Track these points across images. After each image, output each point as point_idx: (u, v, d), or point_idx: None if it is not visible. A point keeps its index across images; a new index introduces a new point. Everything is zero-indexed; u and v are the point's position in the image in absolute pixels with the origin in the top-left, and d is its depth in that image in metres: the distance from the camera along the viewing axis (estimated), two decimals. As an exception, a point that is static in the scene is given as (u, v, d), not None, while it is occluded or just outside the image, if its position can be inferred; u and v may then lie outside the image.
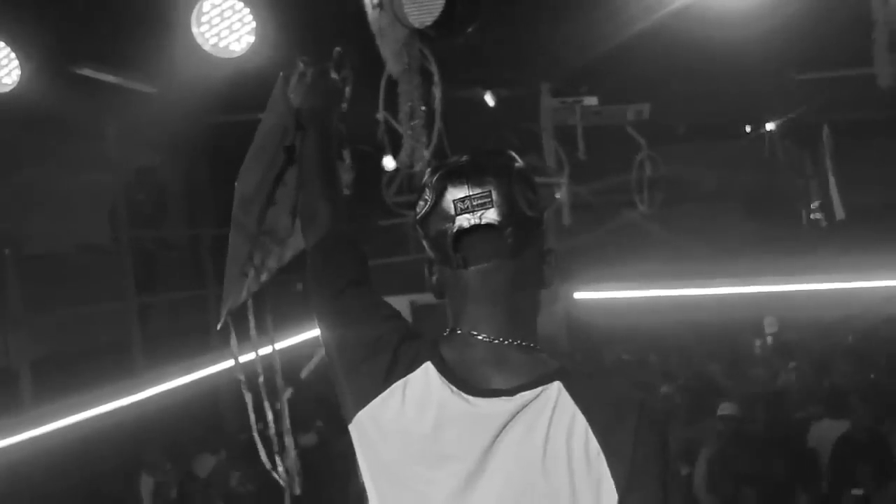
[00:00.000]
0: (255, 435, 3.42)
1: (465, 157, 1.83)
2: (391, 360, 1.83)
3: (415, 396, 1.77)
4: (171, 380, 8.86)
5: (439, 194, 1.78)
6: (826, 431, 7.71)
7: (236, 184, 2.72)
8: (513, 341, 1.79)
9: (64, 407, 7.52)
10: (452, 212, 1.76)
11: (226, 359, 9.69)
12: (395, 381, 1.80)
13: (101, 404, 7.83)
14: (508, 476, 1.70)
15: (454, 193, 1.77)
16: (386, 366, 1.83)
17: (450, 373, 1.76)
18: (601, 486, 1.67)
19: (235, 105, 8.10)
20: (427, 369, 1.78)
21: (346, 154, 2.74)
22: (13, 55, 4.92)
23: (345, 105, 2.57)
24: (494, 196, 1.74)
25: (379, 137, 5.05)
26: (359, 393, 1.85)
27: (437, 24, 4.05)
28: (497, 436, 1.71)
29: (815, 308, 11.51)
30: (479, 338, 1.79)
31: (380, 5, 4.50)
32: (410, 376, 1.79)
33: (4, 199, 7.96)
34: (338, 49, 2.66)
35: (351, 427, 1.88)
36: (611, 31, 6.54)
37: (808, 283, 11.81)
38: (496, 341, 1.78)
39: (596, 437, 1.67)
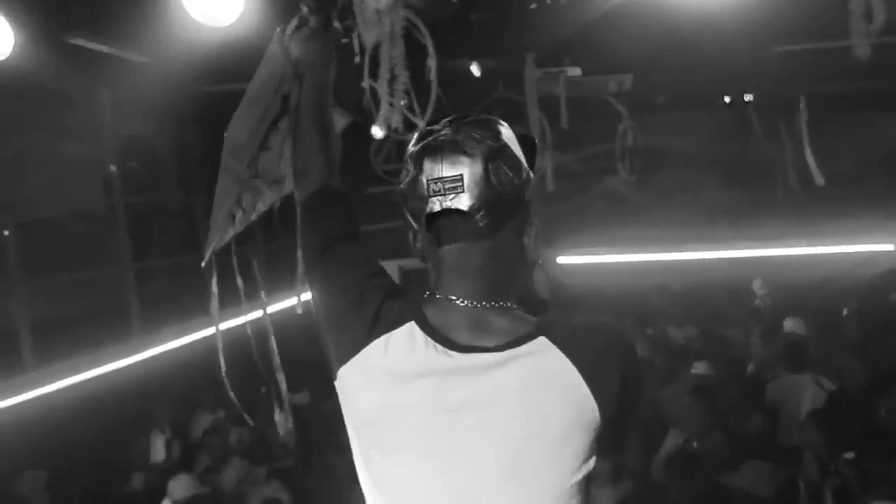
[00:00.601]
0: (229, 391, 3.41)
1: (446, 131, 1.76)
2: (374, 316, 1.82)
3: (398, 352, 1.76)
4: (168, 342, 8.87)
5: (418, 169, 1.75)
6: (784, 385, 7.77)
7: (226, 133, 2.69)
8: (489, 304, 1.78)
9: (65, 368, 7.52)
10: (426, 192, 1.74)
11: (221, 320, 9.71)
12: (377, 337, 1.79)
13: (100, 365, 7.84)
14: (498, 431, 1.70)
15: (429, 172, 1.73)
16: (370, 320, 1.82)
17: (433, 332, 1.76)
18: (590, 428, 1.71)
19: (225, 74, 8.02)
20: (411, 328, 1.77)
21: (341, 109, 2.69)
22: (6, 25, 4.85)
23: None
24: (466, 180, 1.71)
25: (365, 105, 5.02)
26: (342, 348, 1.85)
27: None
28: (484, 388, 1.71)
29: (792, 271, 11.56)
30: (457, 302, 1.78)
31: (365, -23, 4.45)
32: (393, 332, 1.77)
33: (1, 167, 7.92)
34: None
35: (336, 384, 1.88)
36: (593, 3, 6.50)
37: (785, 247, 11.88)
38: (474, 305, 1.78)
39: (586, 382, 1.69)
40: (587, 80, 8.49)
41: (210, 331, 8.07)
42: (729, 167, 13.26)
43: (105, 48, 6.77)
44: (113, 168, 9.19)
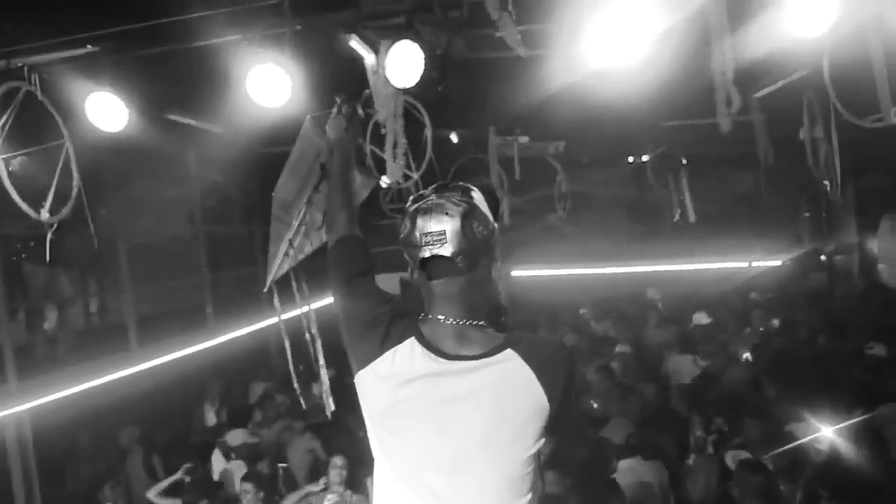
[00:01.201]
0: (291, 369, 3.37)
1: (433, 196, 1.80)
2: (384, 333, 1.82)
3: (403, 360, 1.77)
4: (234, 331, 8.83)
5: (412, 225, 1.80)
6: (677, 364, 7.81)
7: (273, 193, 2.70)
8: (469, 322, 1.80)
9: (160, 350, 7.48)
10: (419, 242, 1.78)
11: (272, 316, 9.67)
12: (388, 350, 1.80)
13: (184, 349, 7.79)
14: (477, 417, 1.73)
15: (421, 227, 1.77)
16: (381, 337, 1.81)
17: (427, 344, 1.78)
18: (541, 416, 1.76)
19: (276, 140, 8.05)
20: (412, 342, 1.78)
21: (372, 168, 2.69)
22: (122, 104, 4.85)
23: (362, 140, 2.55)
24: (448, 234, 1.74)
25: (367, 163, 5.08)
26: (361, 356, 1.85)
27: (416, 84, 4.04)
28: (466, 386, 1.74)
29: (676, 282, 11.63)
30: (444, 321, 1.80)
31: (376, 72, 4.49)
32: (399, 346, 1.78)
33: (118, 205, 7.87)
34: (366, 91, 2.63)
35: (356, 382, 1.88)
36: (535, 91, 6.55)
37: (671, 265, 11.95)
38: (457, 322, 1.80)
39: (540, 383, 1.75)
40: (533, 144, 8.53)
41: (264, 324, 8.04)
42: (632, 208, 13.34)
43: (191, 121, 6.77)
44: (196, 205, 9.18)
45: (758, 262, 12.17)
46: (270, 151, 8.73)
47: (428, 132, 5.08)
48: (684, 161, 9.56)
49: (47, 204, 4.54)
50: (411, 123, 4.97)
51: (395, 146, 4.59)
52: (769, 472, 4.47)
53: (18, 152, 4.75)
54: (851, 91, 4.63)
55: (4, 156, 4.43)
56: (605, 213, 13.13)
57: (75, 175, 4.63)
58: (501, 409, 1.73)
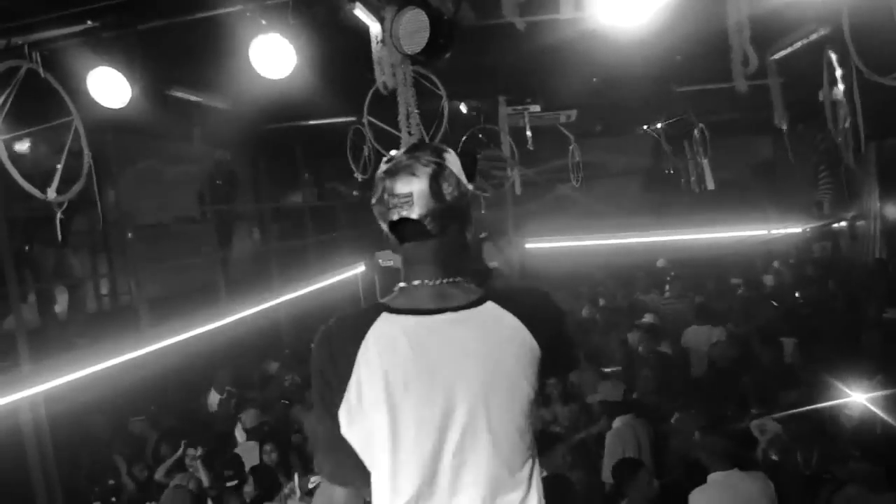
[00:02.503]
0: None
1: (402, 157, 1.76)
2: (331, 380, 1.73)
3: (382, 341, 1.70)
4: (245, 310, 8.85)
5: (382, 188, 1.75)
6: (693, 335, 7.80)
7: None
8: (444, 280, 1.77)
9: (172, 330, 7.50)
10: (389, 206, 1.74)
11: (284, 295, 9.72)
12: (350, 375, 1.69)
13: (197, 328, 7.82)
14: (468, 366, 1.69)
15: (389, 189, 1.73)
16: (333, 387, 1.72)
17: (404, 310, 1.73)
18: (534, 363, 1.73)
19: (281, 115, 8.04)
20: (384, 317, 1.73)
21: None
22: (125, 81, 4.81)
23: None
24: (415, 196, 1.70)
25: (366, 135, 5.03)
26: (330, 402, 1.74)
27: (423, 51, 3.97)
28: (453, 337, 1.70)
29: (691, 251, 11.58)
30: (423, 283, 1.77)
31: (382, 41, 4.43)
32: (367, 337, 1.70)
33: (126, 185, 7.88)
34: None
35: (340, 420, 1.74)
36: (546, 58, 6.47)
37: (687, 234, 11.88)
38: (433, 283, 1.76)
39: (527, 327, 1.72)
40: (544, 114, 8.45)
41: (274, 302, 8.01)
42: (646, 177, 13.25)
43: (196, 98, 6.74)
44: (203, 184, 9.18)
45: (776, 230, 12.08)
46: (276, 127, 8.73)
47: (444, 102, 5.03)
48: (698, 128, 9.43)
49: (54, 183, 4.52)
50: (421, 94, 4.92)
51: (408, 117, 4.53)
52: (732, 435, 4.59)
53: (22, 132, 4.73)
54: (872, 48, 4.53)
55: (6, 136, 4.41)
56: (619, 182, 13.07)
57: (86, 152, 4.61)
58: (491, 357, 1.70)
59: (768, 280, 9.34)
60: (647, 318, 8.49)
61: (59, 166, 4.55)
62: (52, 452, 6.25)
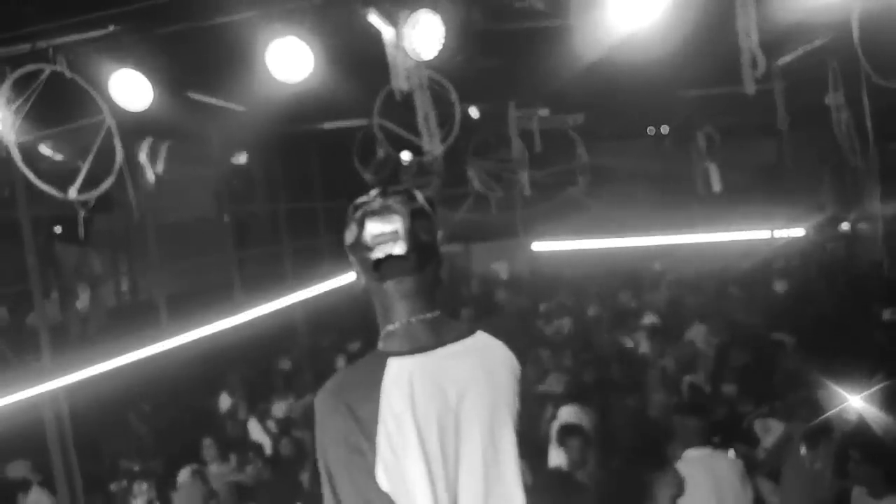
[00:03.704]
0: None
1: (378, 200, 1.75)
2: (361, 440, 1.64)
3: (401, 387, 1.67)
4: (261, 307, 8.87)
5: (361, 229, 1.73)
6: (695, 333, 7.79)
7: None
8: (427, 315, 1.77)
9: (190, 326, 7.53)
10: (371, 244, 1.72)
11: (299, 294, 9.75)
12: (377, 432, 1.64)
13: (213, 324, 7.85)
14: (479, 389, 1.73)
15: (371, 230, 1.72)
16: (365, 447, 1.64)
17: (407, 351, 1.73)
18: (516, 375, 1.82)
19: (297, 118, 8.05)
20: (392, 362, 1.71)
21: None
22: (148, 83, 4.83)
23: None
24: (401, 232, 1.70)
25: (377, 135, 5.04)
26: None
27: (436, 56, 3.98)
28: (459, 368, 1.73)
29: (698, 254, 11.54)
30: (416, 319, 1.76)
31: (395, 46, 4.43)
32: (383, 388, 1.67)
33: (146, 186, 7.91)
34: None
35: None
36: (556, 62, 6.46)
37: (693, 236, 11.85)
38: (423, 317, 1.76)
39: (513, 353, 1.83)
40: (552, 117, 8.45)
41: (289, 301, 8.04)
42: (653, 179, 13.20)
43: (214, 100, 6.76)
44: (221, 185, 9.20)
45: (780, 232, 12.01)
46: (293, 130, 8.74)
47: (456, 105, 5.03)
48: (702, 132, 9.40)
49: (77, 183, 4.55)
50: (433, 98, 4.91)
51: (426, 119, 4.54)
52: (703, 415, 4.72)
53: (50, 131, 4.76)
54: (879, 54, 4.50)
55: (26, 138, 4.44)
56: (626, 185, 13.01)
57: (118, 150, 4.64)
58: (494, 382, 1.77)
59: (780, 286, 9.24)
60: (650, 319, 8.45)
61: (85, 166, 4.57)
62: (73, 444, 6.28)
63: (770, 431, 5.02)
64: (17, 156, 4.31)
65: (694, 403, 5.54)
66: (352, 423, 1.64)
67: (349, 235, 1.77)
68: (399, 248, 1.71)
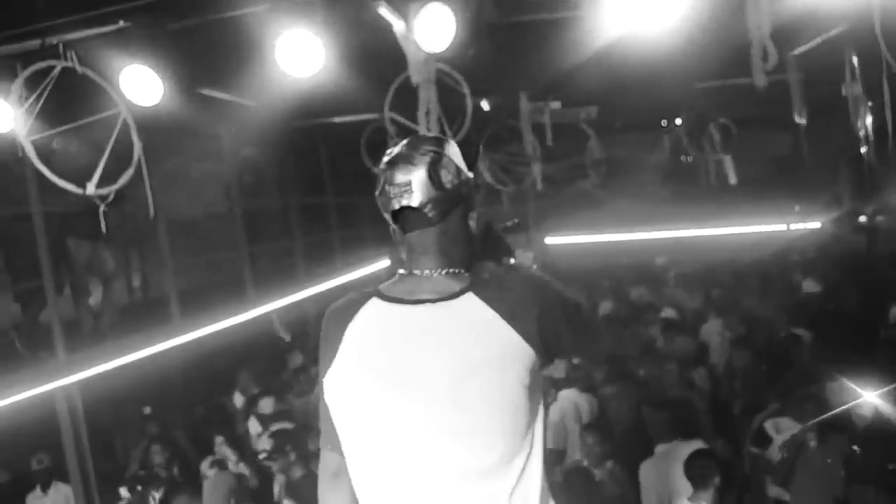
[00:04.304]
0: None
1: (402, 148, 1.76)
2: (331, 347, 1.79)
3: (365, 325, 1.74)
4: (272, 302, 8.91)
5: (383, 180, 1.76)
6: (711, 327, 7.75)
7: None
8: (444, 271, 1.75)
9: (202, 322, 7.57)
10: (390, 195, 1.74)
11: (310, 289, 9.79)
12: (336, 353, 1.76)
13: (225, 320, 7.88)
14: (440, 355, 1.66)
15: (390, 179, 1.74)
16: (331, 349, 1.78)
17: (392, 297, 1.75)
18: (522, 359, 1.66)
19: (307, 113, 8.07)
20: (373, 302, 1.76)
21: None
22: (158, 79, 4.86)
23: None
24: (414, 184, 1.70)
25: (388, 128, 5.04)
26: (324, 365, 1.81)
27: (447, 48, 3.98)
28: (429, 327, 1.69)
29: (709, 247, 11.49)
30: (420, 273, 1.76)
31: (407, 38, 4.42)
32: (354, 320, 1.75)
33: (156, 181, 7.92)
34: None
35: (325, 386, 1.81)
36: (567, 55, 6.43)
37: (702, 230, 11.80)
38: (432, 273, 1.75)
39: (510, 325, 1.66)
40: (565, 110, 8.42)
41: (300, 295, 8.07)
42: (666, 172, 13.15)
43: (224, 96, 6.78)
44: (231, 180, 9.22)
45: (796, 225, 11.92)
46: (303, 125, 8.76)
47: (467, 99, 5.02)
48: (724, 122, 9.35)
49: (95, 177, 4.57)
50: (444, 91, 4.91)
51: (427, 113, 4.53)
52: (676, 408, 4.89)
53: (63, 127, 4.78)
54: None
55: (37, 136, 4.47)
56: (640, 178, 12.96)
57: (136, 143, 4.67)
58: (463, 349, 1.65)
59: (809, 286, 9.13)
60: (668, 313, 8.41)
61: (103, 160, 4.60)
62: (87, 440, 6.33)
63: (782, 431, 4.95)
64: (32, 153, 4.35)
65: (668, 399, 5.51)
66: (324, 337, 1.80)
67: (377, 185, 1.79)
68: (414, 200, 1.71)
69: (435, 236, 1.76)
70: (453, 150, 1.77)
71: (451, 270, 1.76)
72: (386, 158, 1.77)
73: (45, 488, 6.20)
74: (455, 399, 1.63)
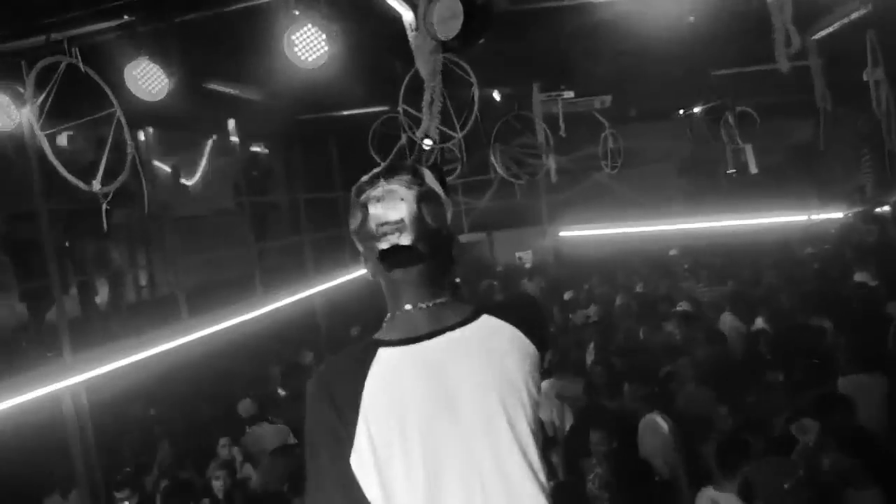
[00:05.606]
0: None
1: (381, 184, 1.68)
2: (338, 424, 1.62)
3: (387, 378, 1.64)
4: (282, 300, 8.93)
5: (365, 216, 1.67)
6: (728, 322, 7.69)
7: None
8: (434, 303, 1.70)
9: (210, 320, 7.59)
10: (376, 233, 1.66)
11: (319, 285, 9.81)
12: (356, 422, 1.61)
13: (234, 318, 7.90)
14: (478, 379, 1.64)
15: (376, 217, 1.66)
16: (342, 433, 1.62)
17: (401, 340, 1.67)
18: (535, 368, 1.71)
19: (315, 106, 8.07)
20: (382, 352, 1.66)
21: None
22: (162, 73, 4.86)
23: None
24: (407, 222, 1.64)
25: (401, 122, 5.03)
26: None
27: (457, 37, 3.95)
28: (458, 356, 1.65)
29: (726, 237, 11.43)
30: (418, 308, 1.69)
31: (416, 28, 4.41)
32: (369, 378, 1.63)
33: (162, 178, 7.98)
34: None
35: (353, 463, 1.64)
36: (579, 43, 6.41)
37: (720, 221, 11.75)
38: (425, 307, 1.69)
39: (521, 331, 1.70)
40: (578, 100, 8.38)
41: (309, 291, 8.03)
42: (683, 162, 13.09)
43: (230, 90, 6.79)
44: (239, 176, 9.25)
45: (817, 216, 11.84)
46: (312, 118, 8.77)
47: (475, 90, 5.00)
48: (743, 110, 9.29)
49: (99, 175, 4.59)
50: (454, 82, 4.89)
51: (431, 104, 4.51)
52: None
53: (64, 125, 4.80)
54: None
55: (48, 131, 4.49)
56: (655, 168, 12.89)
57: (129, 143, 4.67)
58: (498, 368, 1.66)
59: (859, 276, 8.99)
60: (683, 306, 8.36)
61: (104, 158, 4.62)
62: (94, 439, 6.37)
63: (808, 432, 4.81)
64: (48, 149, 4.37)
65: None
66: (332, 411, 1.62)
67: (353, 221, 1.71)
68: (405, 239, 1.64)
69: (423, 271, 1.70)
70: (430, 179, 1.72)
71: (442, 301, 1.71)
72: (368, 193, 1.69)
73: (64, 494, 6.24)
74: (507, 421, 1.64)
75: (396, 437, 1.60)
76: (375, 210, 1.66)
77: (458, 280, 1.85)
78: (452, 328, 1.67)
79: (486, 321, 1.70)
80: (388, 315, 1.74)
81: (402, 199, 1.65)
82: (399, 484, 1.60)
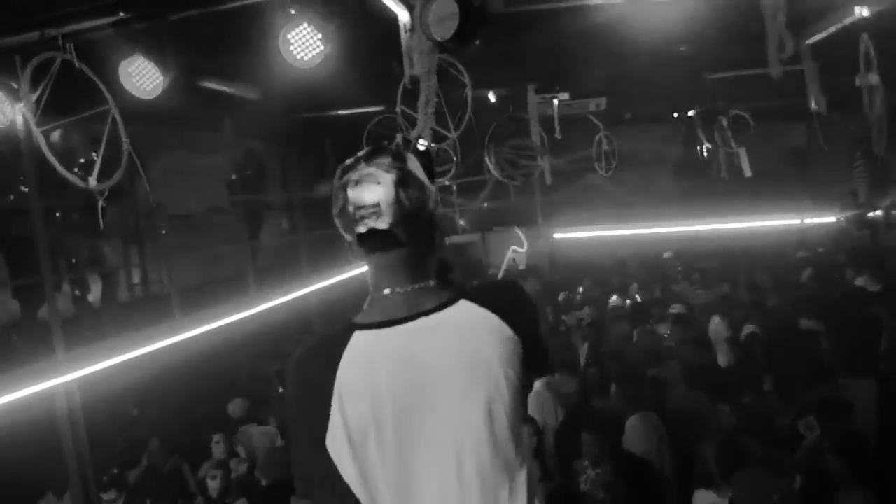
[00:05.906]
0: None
1: (361, 165, 1.68)
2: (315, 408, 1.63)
3: (359, 362, 1.64)
4: (275, 299, 8.91)
5: (344, 198, 1.67)
6: (717, 326, 7.72)
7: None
8: (417, 286, 1.70)
9: (203, 318, 7.58)
10: (354, 216, 1.66)
11: (313, 284, 9.80)
12: (330, 405, 1.62)
13: (227, 317, 7.88)
14: (453, 363, 1.64)
15: (354, 201, 1.65)
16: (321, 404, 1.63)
17: (376, 324, 1.67)
18: (516, 357, 1.68)
19: (311, 105, 8.07)
20: (357, 335, 1.66)
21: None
22: (157, 71, 4.85)
23: None
24: (383, 206, 1.63)
25: (398, 122, 5.04)
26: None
27: (452, 38, 3.96)
28: (432, 340, 1.65)
29: (720, 240, 11.47)
30: (396, 292, 1.70)
31: (411, 29, 4.42)
32: (342, 361, 1.63)
33: (156, 176, 7.94)
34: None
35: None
36: (575, 45, 6.43)
37: (714, 224, 11.79)
38: (404, 290, 1.69)
39: (505, 322, 1.68)
40: (573, 102, 8.40)
41: (304, 291, 8.00)
42: (677, 165, 13.12)
43: (226, 88, 6.79)
44: (234, 175, 9.25)
45: (810, 219, 11.89)
46: (304, 116, 8.77)
47: (468, 91, 5.01)
48: (737, 113, 9.32)
49: (95, 171, 4.59)
50: (448, 83, 4.91)
51: (426, 104, 4.53)
52: None
53: (59, 122, 4.79)
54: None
55: (44, 127, 4.49)
56: (649, 171, 12.94)
57: (124, 140, 4.67)
58: (474, 354, 1.65)
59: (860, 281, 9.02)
60: (676, 308, 8.40)
61: (99, 155, 4.62)
62: (86, 438, 6.35)
63: (815, 429, 4.83)
64: (44, 145, 4.36)
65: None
66: (308, 394, 1.65)
67: (335, 205, 1.70)
68: (382, 223, 1.64)
69: (403, 255, 1.69)
70: (414, 163, 1.71)
71: (423, 285, 1.71)
72: (347, 176, 1.69)
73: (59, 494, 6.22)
74: (481, 406, 1.63)
75: (370, 421, 1.60)
76: (353, 193, 1.66)
77: (450, 265, 1.84)
78: (428, 313, 1.67)
79: (464, 306, 1.69)
80: (369, 298, 1.75)
81: (380, 183, 1.64)
82: (375, 467, 1.61)
